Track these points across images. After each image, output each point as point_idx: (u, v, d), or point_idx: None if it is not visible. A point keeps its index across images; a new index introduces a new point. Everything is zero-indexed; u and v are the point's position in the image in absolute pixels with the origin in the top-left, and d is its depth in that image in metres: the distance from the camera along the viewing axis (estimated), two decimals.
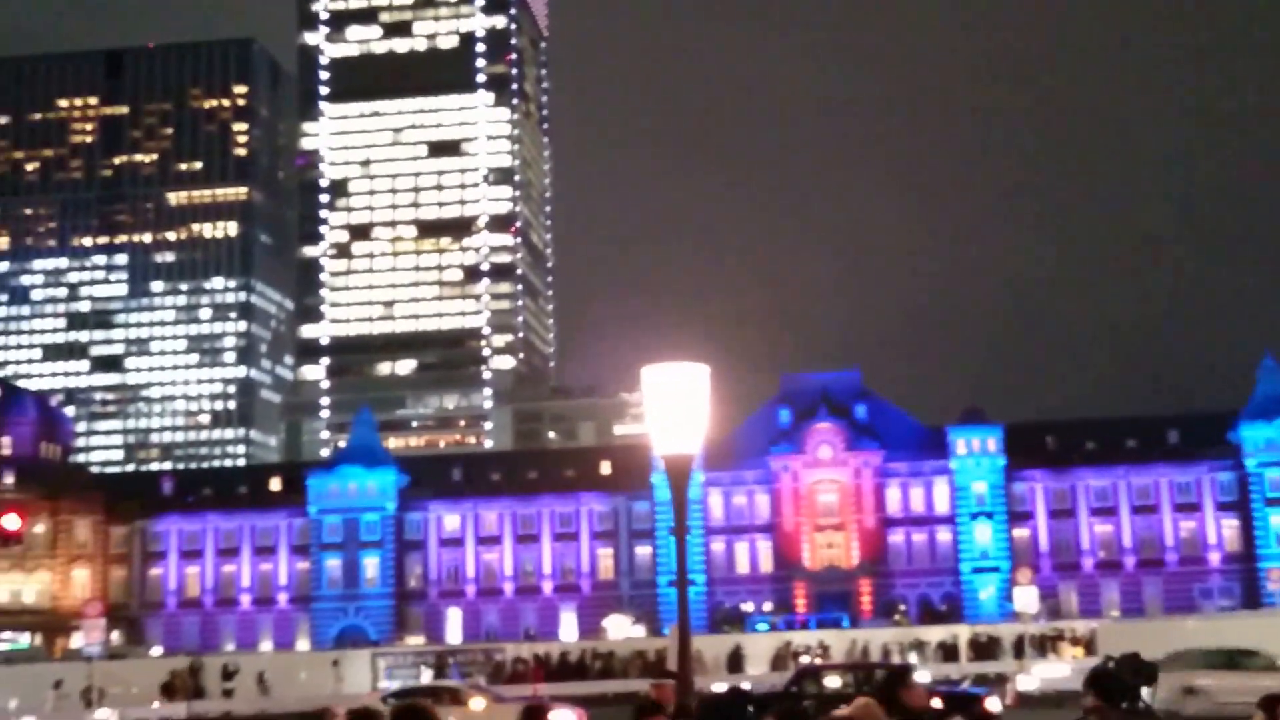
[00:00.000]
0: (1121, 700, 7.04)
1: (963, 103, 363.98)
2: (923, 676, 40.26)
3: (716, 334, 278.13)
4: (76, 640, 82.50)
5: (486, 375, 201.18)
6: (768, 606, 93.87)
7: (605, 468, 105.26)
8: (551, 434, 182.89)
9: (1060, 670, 41.64)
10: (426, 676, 50.58)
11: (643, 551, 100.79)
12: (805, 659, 51.83)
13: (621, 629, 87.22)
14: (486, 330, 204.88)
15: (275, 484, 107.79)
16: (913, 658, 53.35)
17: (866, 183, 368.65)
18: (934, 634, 59.22)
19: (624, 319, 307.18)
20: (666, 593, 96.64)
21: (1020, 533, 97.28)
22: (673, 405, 9.10)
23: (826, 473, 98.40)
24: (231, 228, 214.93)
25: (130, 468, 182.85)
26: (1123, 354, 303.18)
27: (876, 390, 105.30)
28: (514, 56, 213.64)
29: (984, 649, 53.78)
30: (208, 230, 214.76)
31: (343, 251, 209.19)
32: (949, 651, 53.85)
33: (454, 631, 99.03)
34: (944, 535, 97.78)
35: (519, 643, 71.84)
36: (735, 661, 52.35)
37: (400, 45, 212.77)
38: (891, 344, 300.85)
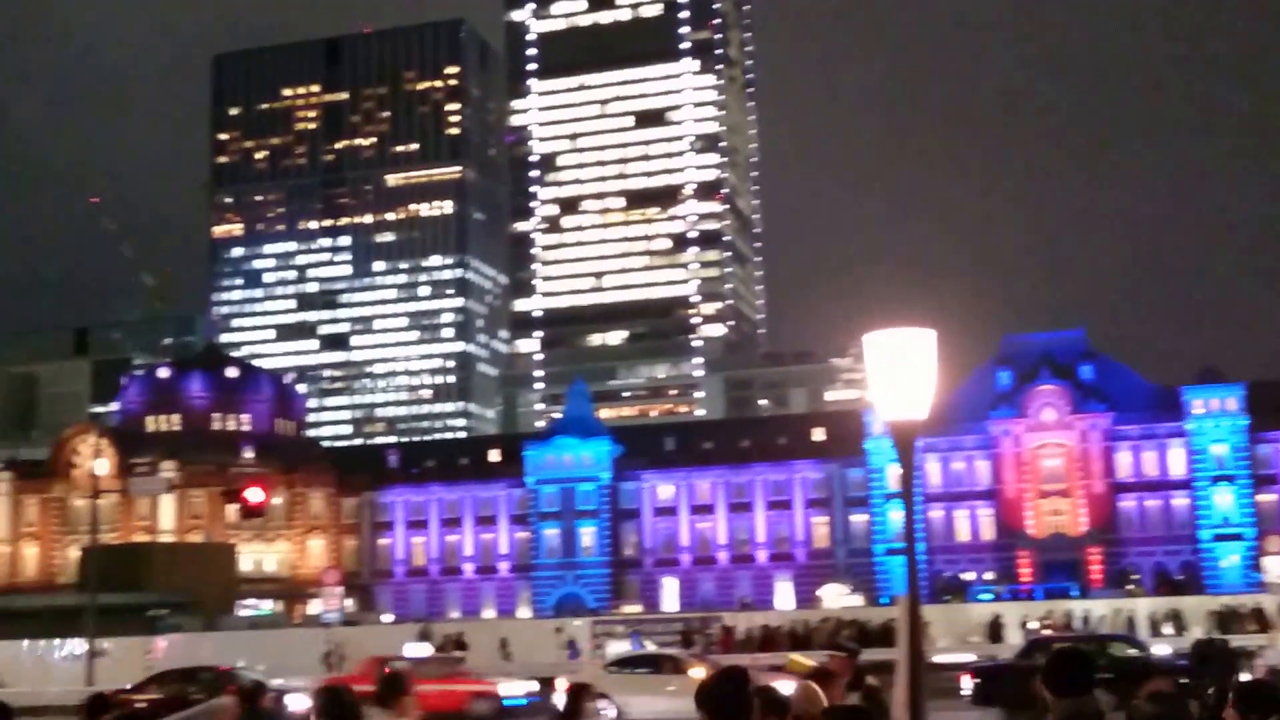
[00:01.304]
0: (1070, 691, 6.61)
1: (1193, 52, 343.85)
2: (1162, 649, 37.97)
3: (929, 293, 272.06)
4: (314, 606, 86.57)
5: (696, 343, 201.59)
6: (989, 576, 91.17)
7: (818, 434, 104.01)
8: (763, 401, 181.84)
9: None
10: (617, 646, 50.45)
11: (858, 519, 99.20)
12: (1032, 626, 50.00)
13: (838, 598, 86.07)
14: (695, 298, 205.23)
15: (494, 455, 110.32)
16: (1168, 629, 50.57)
17: (1089, 134, 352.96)
18: (1209, 603, 55.71)
19: (834, 282, 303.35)
20: (884, 561, 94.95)
21: (1266, 498, 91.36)
22: (897, 371, 8.87)
23: (1050, 436, 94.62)
24: (447, 206, 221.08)
25: (358, 441, 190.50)
26: None
27: (1103, 350, 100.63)
28: (718, 21, 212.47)
29: (1228, 622, 50.53)
30: (424, 210, 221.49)
31: (553, 225, 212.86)
32: (1223, 620, 50.63)
33: (670, 600, 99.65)
34: (1180, 500, 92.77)
35: (735, 611, 71.57)
36: (995, 631, 50.93)
37: (604, 17, 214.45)
38: (1118, 302, 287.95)
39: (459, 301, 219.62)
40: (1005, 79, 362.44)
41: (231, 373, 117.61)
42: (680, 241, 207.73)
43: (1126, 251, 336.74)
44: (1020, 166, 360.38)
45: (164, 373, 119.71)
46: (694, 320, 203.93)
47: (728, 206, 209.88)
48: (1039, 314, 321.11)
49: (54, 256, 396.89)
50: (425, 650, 41.70)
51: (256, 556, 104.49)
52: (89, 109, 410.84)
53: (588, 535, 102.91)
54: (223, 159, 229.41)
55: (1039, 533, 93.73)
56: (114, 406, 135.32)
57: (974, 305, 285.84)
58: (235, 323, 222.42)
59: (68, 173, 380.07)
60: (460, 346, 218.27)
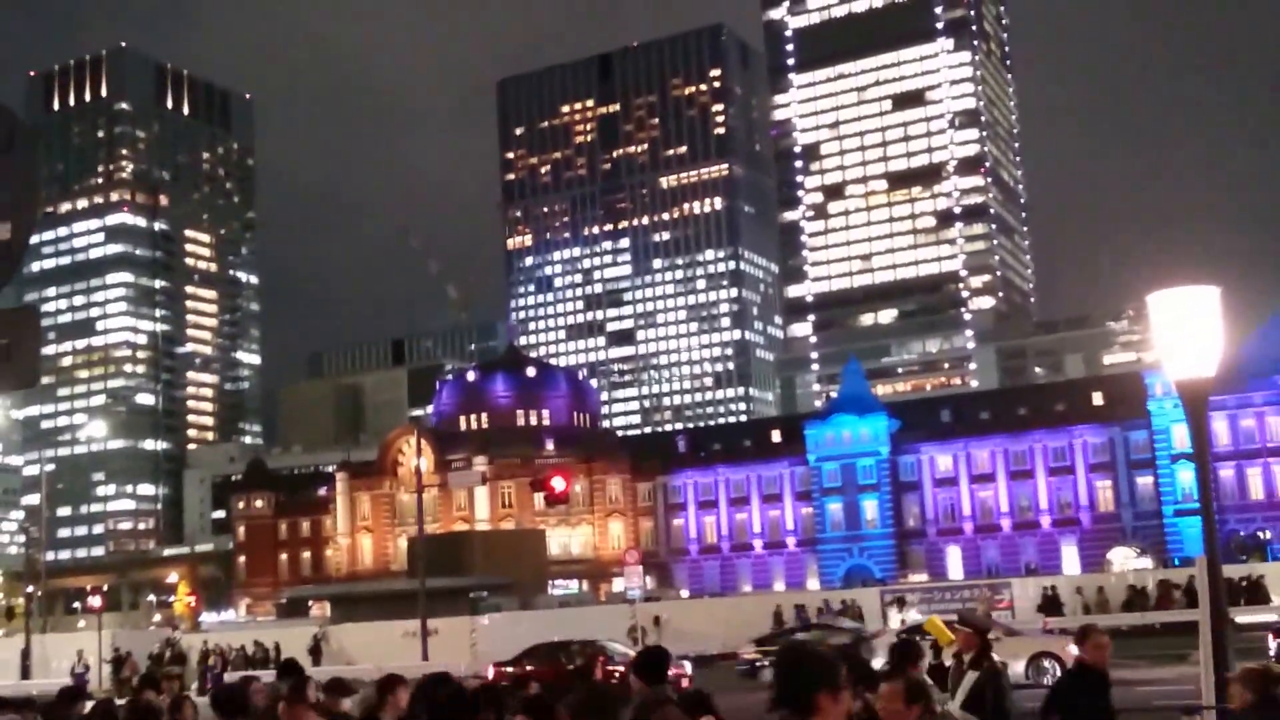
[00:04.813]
0: (653, 680, 6.90)
1: None
2: None
3: (1205, 251, 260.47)
4: (618, 584, 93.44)
5: (967, 316, 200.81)
6: None
7: (1097, 399, 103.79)
8: (1038, 369, 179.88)
9: None
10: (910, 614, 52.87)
11: (1143, 481, 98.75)
12: None
13: (1127, 561, 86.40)
14: (963, 272, 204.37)
15: (776, 436, 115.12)
16: None
17: None
18: None
19: (1104, 247, 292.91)
20: (1173, 523, 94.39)
21: None
22: (1182, 330, 8.93)
23: None
24: (717, 202, 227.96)
25: (647, 429, 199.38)
26: None
27: None
28: None
29: None
30: (696, 207, 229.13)
31: (819, 212, 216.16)
32: None
33: (954, 568, 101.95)
34: None
35: (1023, 578, 73.34)
36: None
37: (858, 5, 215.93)
38: None
39: (734, 292, 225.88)
40: (1273, 28, 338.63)
41: (531, 372, 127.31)
42: (945, 218, 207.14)
43: None
44: None
45: (472, 376, 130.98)
46: (963, 294, 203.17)
47: (991, 179, 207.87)
48: None
49: (372, 276, 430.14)
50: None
51: (562, 540, 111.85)
52: (391, 143, 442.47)
53: (870, 508, 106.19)
54: (511, 176, 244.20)
55: None
56: (429, 409, 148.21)
57: (1253, 260, 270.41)
58: (531, 325, 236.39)
59: (377, 200, 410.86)
60: (738, 334, 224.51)
